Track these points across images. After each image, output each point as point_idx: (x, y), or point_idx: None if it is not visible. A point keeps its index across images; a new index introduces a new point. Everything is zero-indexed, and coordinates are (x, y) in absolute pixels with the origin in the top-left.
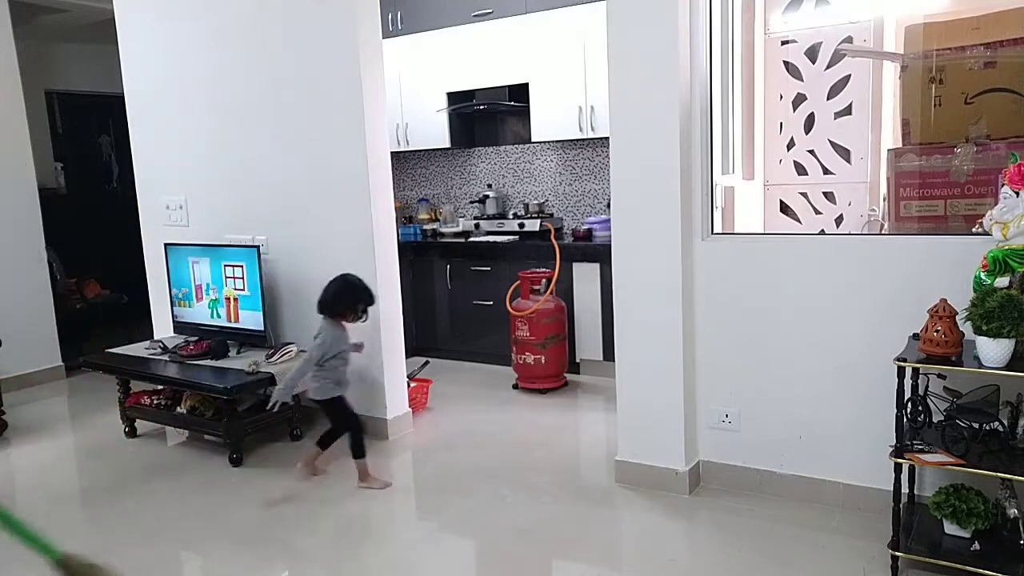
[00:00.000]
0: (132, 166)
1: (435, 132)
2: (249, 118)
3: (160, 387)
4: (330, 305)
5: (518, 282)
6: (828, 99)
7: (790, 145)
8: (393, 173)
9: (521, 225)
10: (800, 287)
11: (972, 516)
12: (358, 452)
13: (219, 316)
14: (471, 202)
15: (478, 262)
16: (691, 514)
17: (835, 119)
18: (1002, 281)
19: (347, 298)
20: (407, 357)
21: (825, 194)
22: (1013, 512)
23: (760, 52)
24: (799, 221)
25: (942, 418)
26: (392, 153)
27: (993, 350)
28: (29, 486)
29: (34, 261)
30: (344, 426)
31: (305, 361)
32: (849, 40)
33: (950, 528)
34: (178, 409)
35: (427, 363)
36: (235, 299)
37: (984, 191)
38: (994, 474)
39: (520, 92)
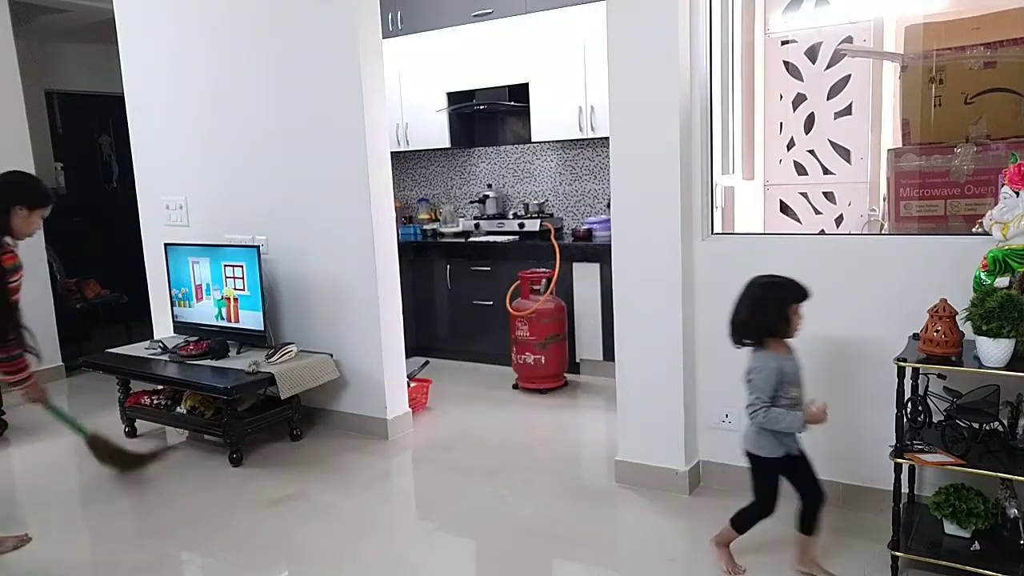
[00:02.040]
0: (132, 166)
1: (435, 132)
2: (249, 118)
3: (160, 387)
4: (751, 324)
5: (518, 282)
6: (828, 99)
7: (790, 145)
8: (393, 173)
9: (521, 225)
10: None
11: (972, 516)
12: (740, 523)
13: (221, 317)
14: (471, 202)
15: (478, 262)
16: (691, 514)
17: (835, 119)
18: (1002, 281)
19: (773, 304)
20: (407, 357)
21: (825, 194)
22: (1013, 512)
23: (760, 52)
24: (799, 221)
25: (942, 418)
26: (392, 153)
27: (993, 350)
28: (29, 486)
29: (34, 261)
30: (760, 499)
31: (751, 415)
32: (849, 40)
33: (950, 528)
34: (178, 409)
35: (427, 363)
36: (235, 299)
37: (984, 191)
38: (994, 474)
39: (520, 92)
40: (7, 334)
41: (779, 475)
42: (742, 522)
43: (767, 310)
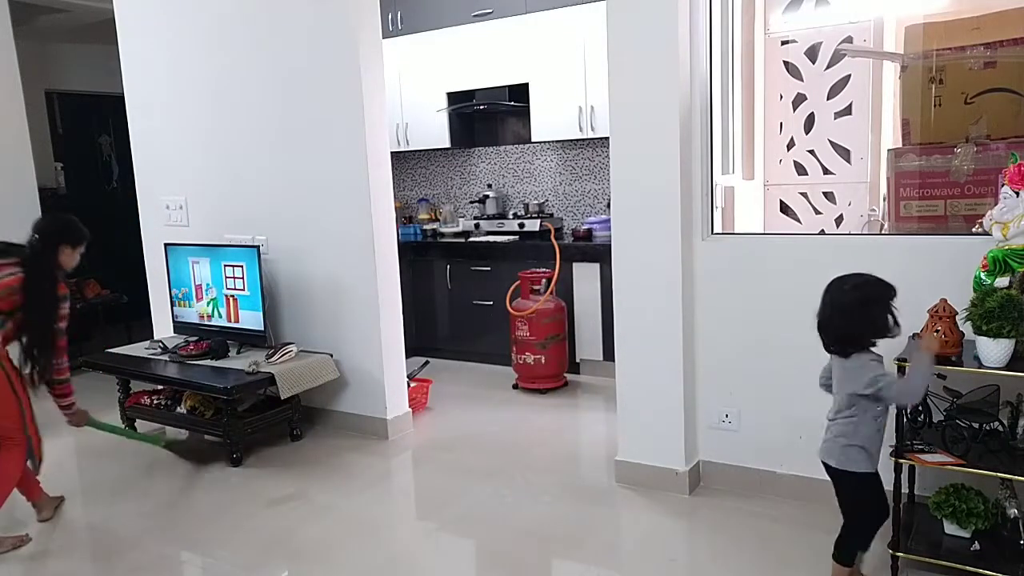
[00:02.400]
0: (132, 166)
1: (435, 132)
2: (249, 118)
3: (160, 387)
4: (861, 329)
5: (518, 282)
6: (828, 99)
7: (790, 145)
8: (393, 173)
9: (521, 225)
10: (800, 287)
11: (972, 516)
12: (845, 553)
13: (220, 316)
14: (471, 202)
15: (478, 262)
16: (691, 514)
17: (835, 119)
18: (1002, 281)
19: (880, 304)
20: (407, 357)
21: (825, 194)
22: (1013, 512)
23: (760, 52)
24: (799, 221)
25: (942, 418)
26: (392, 153)
27: (993, 350)
28: None
29: None
30: (861, 519)
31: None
32: (849, 40)
33: (950, 528)
34: (178, 409)
35: (427, 363)
36: (235, 299)
37: (984, 191)
38: (994, 474)
39: (520, 92)
40: (51, 357)
41: (865, 490)
42: (851, 548)
43: (877, 311)
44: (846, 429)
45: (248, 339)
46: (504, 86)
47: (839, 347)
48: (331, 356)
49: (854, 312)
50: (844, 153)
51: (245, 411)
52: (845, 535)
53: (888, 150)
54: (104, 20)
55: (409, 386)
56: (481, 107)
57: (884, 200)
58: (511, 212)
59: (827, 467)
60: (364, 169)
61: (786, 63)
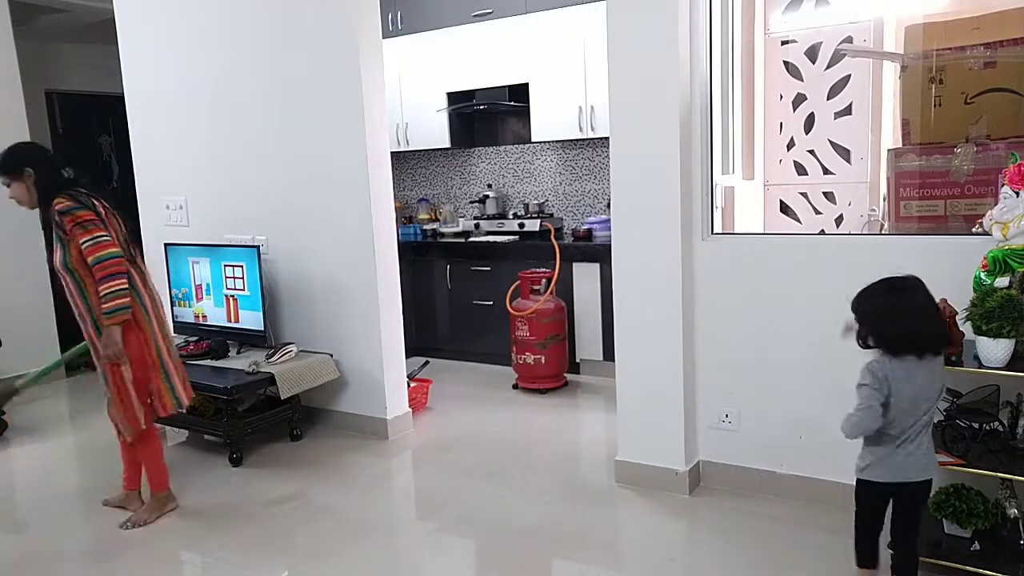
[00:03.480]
0: (132, 166)
1: (435, 132)
2: (249, 118)
3: None
4: (942, 327)
5: (518, 282)
6: (828, 99)
7: (790, 145)
8: (393, 173)
9: (521, 225)
10: (800, 287)
11: (972, 516)
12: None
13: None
14: (471, 202)
15: (478, 262)
16: (691, 514)
17: (835, 119)
18: (1002, 281)
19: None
20: (407, 357)
21: (825, 194)
22: (1013, 512)
23: (760, 52)
24: (799, 221)
25: (942, 418)
26: (392, 153)
27: (993, 350)
28: (29, 486)
29: (34, 261)
30: (913, 536)
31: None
32: (849, 40)
33: (950, 528)
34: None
35: (427, 363)
36: (235, 299)
37: (984, 191)
38: (994, 474)
39: (520, 92)
40: None
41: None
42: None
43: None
44: (931, 433)
45: (248, 339)
46: (504, 86)
47: (940, 345)
48: (331, 356)
49: (935, 309)
50: (844, 153)
51: (245, 411)
52: (915, 545)
53: (888, 150)
54: (104, 20)
55: (409, 386)
56: (481, 107)
57: (884, 200)
58: (511, 212)
59: (917, 484)
60: (364, 169)
61: (786, 63)
